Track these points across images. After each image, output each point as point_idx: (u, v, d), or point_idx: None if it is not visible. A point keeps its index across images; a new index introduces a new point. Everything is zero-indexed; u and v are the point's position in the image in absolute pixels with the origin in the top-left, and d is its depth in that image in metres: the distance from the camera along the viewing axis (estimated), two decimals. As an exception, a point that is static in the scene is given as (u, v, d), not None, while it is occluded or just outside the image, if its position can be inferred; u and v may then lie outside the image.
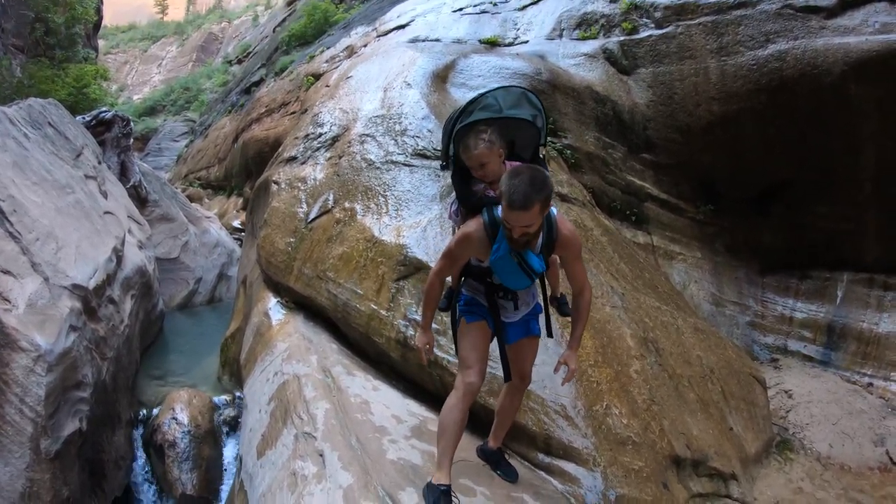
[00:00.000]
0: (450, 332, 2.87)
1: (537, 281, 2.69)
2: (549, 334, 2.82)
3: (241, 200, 14.98)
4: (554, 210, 2.36)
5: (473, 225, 2.38)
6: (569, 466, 3.08)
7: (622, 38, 6.85)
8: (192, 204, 12.09)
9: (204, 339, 7.40)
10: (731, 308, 6.31)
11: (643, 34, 6.76)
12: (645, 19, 6.86)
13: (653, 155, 6.62)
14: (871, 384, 5.42)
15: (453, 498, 2.42)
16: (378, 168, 5.11)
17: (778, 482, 4.07)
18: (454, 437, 2.43)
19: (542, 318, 2.80)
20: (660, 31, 6.63)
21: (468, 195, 2.52)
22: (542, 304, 2.81)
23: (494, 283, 2.55)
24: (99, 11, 19.27)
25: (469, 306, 2.63)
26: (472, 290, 2.65)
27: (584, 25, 7.39)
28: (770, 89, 5.79)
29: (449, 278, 2.76)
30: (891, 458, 4.42)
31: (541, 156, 2.79)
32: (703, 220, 6.56)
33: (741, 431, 4.02)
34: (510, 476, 2.91)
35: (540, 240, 2.32)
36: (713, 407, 3.93)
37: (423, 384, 3.77)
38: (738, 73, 5.99)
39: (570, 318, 2.70)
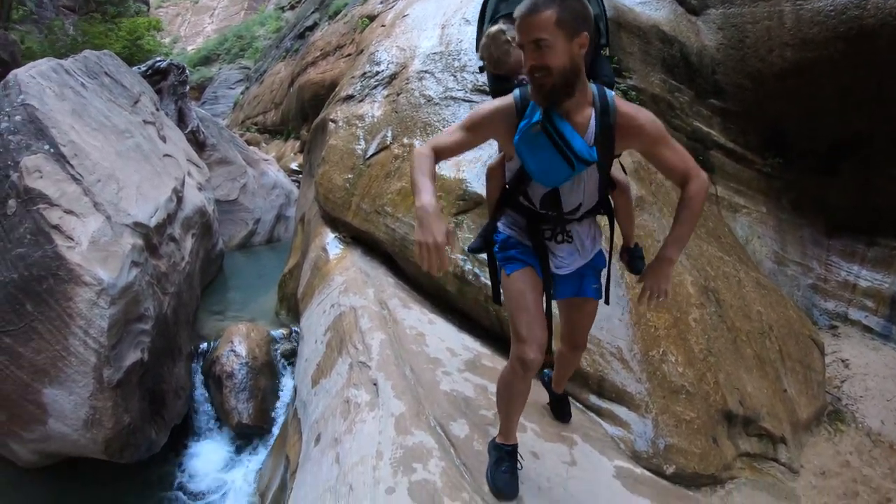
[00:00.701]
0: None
1: (600, 225, 2.16)
2: (607, 300, 2.23)
3: (297, 143, 15.16)
4: (611, 91, 1.78)
5: (502, 99, 1.85)
6: (620, 411, 3.06)
7: (693, -25, 6.41)
8: (251, 147, 12.30)
9: (262, 278, 7.66)
10: (793, 268, 6.04)
11: (716, -28, 6.31)
12: (718, -45, 6.39)
13: (721, 101, 6.27)
14: None
15: (519, 458, 2.28)
16: (437, 104, 5.04)
17: (826, 452, 3.96)
18: (516, 408, 2.16)
19: (604, 276, 2.22)
20: (734, -31, 6.17)
21: (503, 89, 2.01)
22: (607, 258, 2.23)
23: (538, 211, 1.96)
24: None
25: (508, 250, 2.05)
26: (510, 226, 2.08)
27: (653, -37, 6.94)
28: (848, 38, 5.32)
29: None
30: None
31: (605, 56, 2.26)
32: (770, 172, 6.23)
33: (795, 395, 3.90)
34: (562, 417, 2.80)
35: (592, 124, 1.73)
36: (769, 366, 3.81)
37: (479, 319, 3.76)
38: (814, 18, 5.52)
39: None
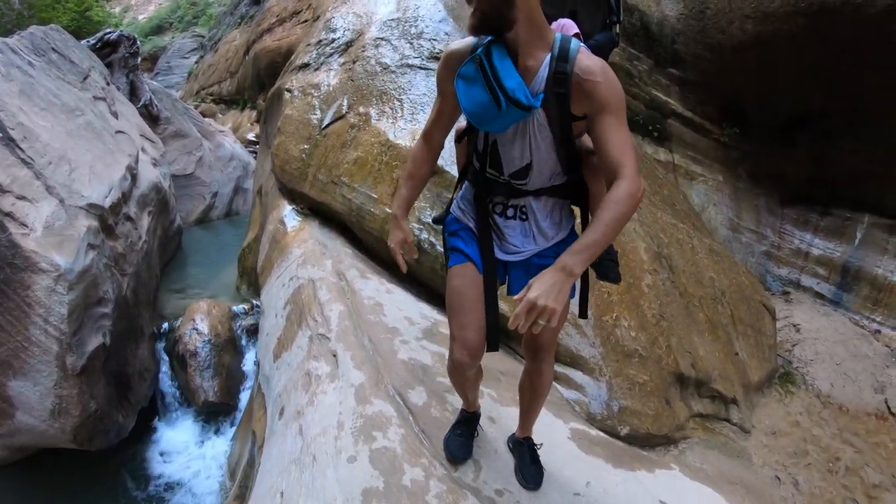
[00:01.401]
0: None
1: (568, 208, 1.84)
2: (583, 313, 1.88)
3: (254, 113, 14.84)
4: (578, 42, 1.54)
5: (458, 42, 1.70)
6: (575, 374, 3.15)
7: (654, -58, 6.40)
8: (206, 119, 11.97)
9: (222, 252, 7.55)
10: (747, 235, 6.23)
11: (675, -59, 6.30)
12: (678, -76, 6.38)
13: (680, 70, 6.33)
14: (878, 331, 5.41)
15: (479, 428, 2.36)
16: (393, 72, 4.99)
17: (777, 413, 4.15)
18: (468, 389, 2.13)
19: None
20: (694, -62, 6.17)
21: None
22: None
23: (487, 174, 1.75)
24: None
25: (451, 237, 1.88)
26: (460, 201, 1.91)
27: (615, -71, 6.92)
28: (809, 13, 5.38)
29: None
30: (888, 407, 4.47)
31: (614, 34, 2.05)
32: (728, 143, 6.37)
33: (746, 358, 4.07)
34: (530, 481, 2.23)
35: (544, 68, 1.52)
36: (721, 330, 3.96)
37: (436, 287, 3.79)
38: None
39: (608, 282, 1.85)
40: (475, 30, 1.52)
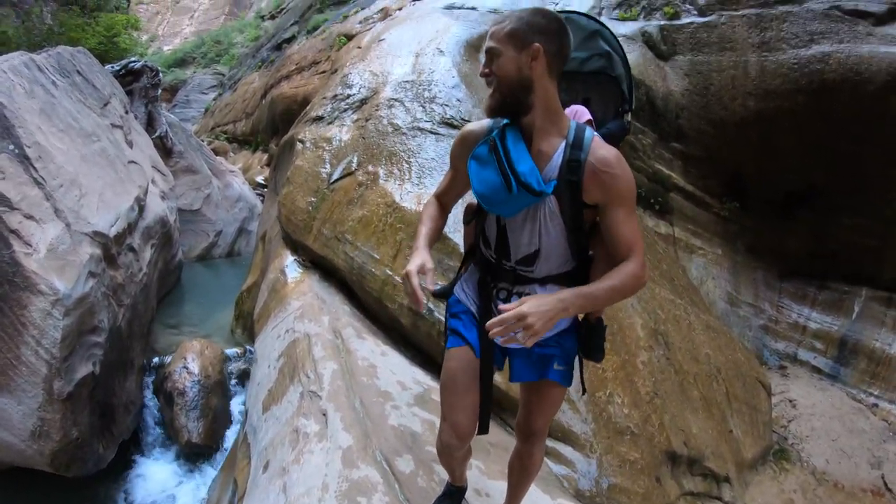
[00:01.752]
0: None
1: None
2: (583, 388, 2.04)
3: (265, 156, 15.07)
4: (593, 132, 1.58)
5: (475, 123, 1.76)
6: (566, 450, 3.11)
7: (663, 23, 6.68)
8: (217, 157, 12.18)
9: (220, 292, 7.54)
10: (745, 309, 6.25)
11: (685, 20, 6.58)
12: (688, 5, 6.68)
13: (683, 145, 6.50)
14: (875, 405, 5.38)
15: (464, 501, 2.29)
16: (404, 134, 5.08)
17: (770, 491, 4.08)
18: (455, 466, 2.09)
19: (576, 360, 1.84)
20: (702, 19, 6.46)
21: None
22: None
23: (492, 260, 1.73)
24: None
25: (452, 318, 1.85)
26: (464, 284, 1.87)
27: (625, 6, 7.22)
28: (809, 91, 5.63)
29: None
30: (885, 483, 4.41)
31: (625, 122, 2.03)
32: (728, 216, 6.47)
33: (740, 435, 4.03)
34: None
35: (558, 155, 1.53)
36: (715, 407, 3.93)
37: (432, 353, 3.79)
38: (778, 70, 5.83)
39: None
40: (492, 112, 1.57)
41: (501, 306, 1.53)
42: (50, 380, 3.66)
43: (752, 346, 5.95)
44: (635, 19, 6.95)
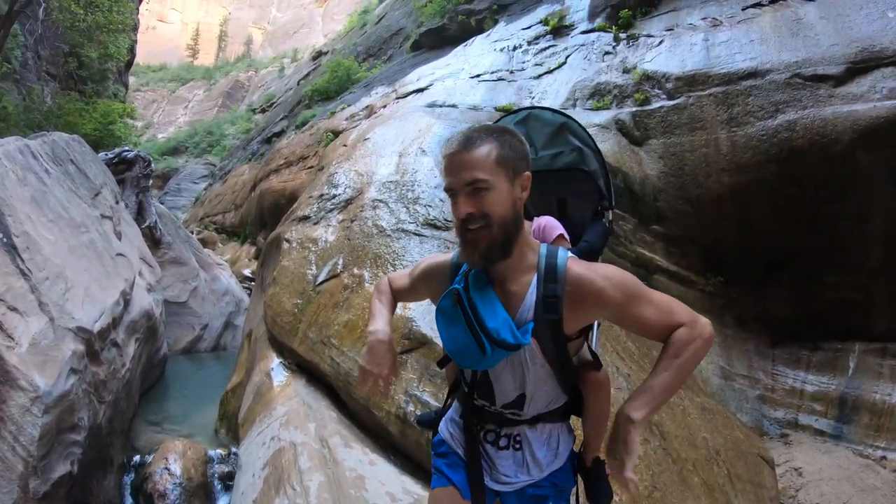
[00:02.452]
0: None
1: (566, 428, 1.65)
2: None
3: (253, 249, 15.23)
4: (565, 252, 1.41)
5: (442, 255, 1.62)
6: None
7: (634, 109, 7.00)
8: (205, 250, 12.28)
9: (205, 388, 7.33)
10: (740, 381, 6.18)
11: (655, 105, 6.91)
12: (657, 90, 7.03)
13: (663, 226, 6.65)
14: (884, 457, 5.25)
15: None
16: (389, 235, 5.10)
17: (786, 564, 3.89)
18: None
19: (576, 495, 1.71)
20: (671, 102, 6.78)
21: None
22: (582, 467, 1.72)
23: (475, 402, 1.58)
24: (132, 50, 20.15)
25: (437, 458, 1.71)
26: (449, 423, 1.72)
27: (598, 96, 7.60)
28: (779, 159, 5.86)
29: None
30: None
31: (606, 223, 1.89)
32: (713, 291, 6.52)
33: (747, 516, 3.86)
34: None
35: (531, 293, 1.37)
36: (718, 491, 3.79)
37: (422, 462, 3.65)
38: (748, 143, 6.07)
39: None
40: (483, 262, 1.36)
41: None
42: (26, 478, 3.50)
43: (751, 419, 5.83)
44: (608, 108, 7.31)
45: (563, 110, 2.05)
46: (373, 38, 22.37)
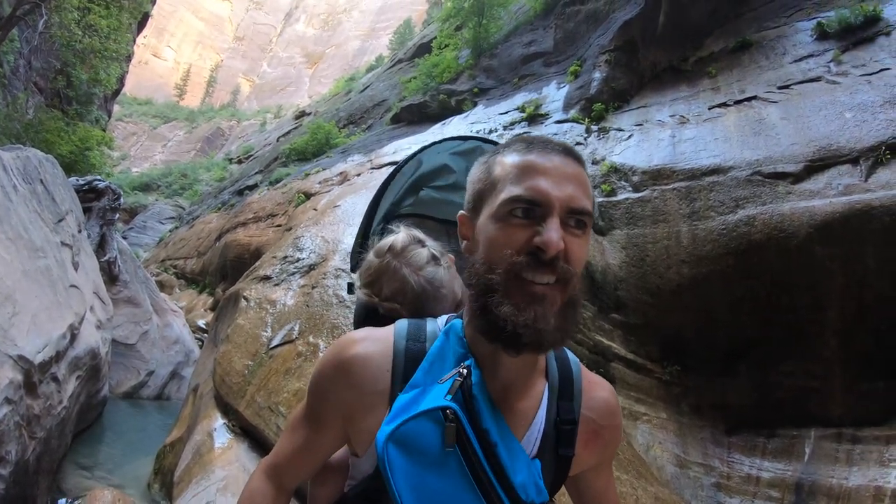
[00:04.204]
0: None
1: None
2: None
3: (211, 300, 14.85)
4: (574, 357, 1.05)
5: (366, 334, 0.97)
6: None
7: (601, 200, 7.25)
8: (161, 294, 11.97)
9: (143, 437, 6.95)
10: (695, 469, 6.15)
11: (621, 196, 7.19)
12: (623, 182, 7.34)
13: (622, 315, 6.73)
14: None
15: None
16: (348, 307, 5.00)
17: None
18: None
19: None
20: (636, 195, 7.07)
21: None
22: None
23: None
24: (121, 80, 20.29)
25: None
26: None
27: (566, 186, 7.88)
28: (738, 252, 6.05)
29: None
30: None
31: None
32: (670, 380, 6.59)
33: None
34: None
35: (541, 415, 0.93)
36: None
37: None
38: (708, 237, 6.28)
39: None
40: (558, 345, 0.83)
41: None
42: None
43: (705, 510, 5.77)
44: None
45: None
46: (356, 106, 23.00)
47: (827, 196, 5.75)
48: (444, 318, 0.99)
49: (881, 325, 5.48)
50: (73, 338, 5.67)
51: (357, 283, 1.35)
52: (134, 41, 20.50)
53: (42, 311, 5.00)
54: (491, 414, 0.84)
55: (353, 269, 1.52)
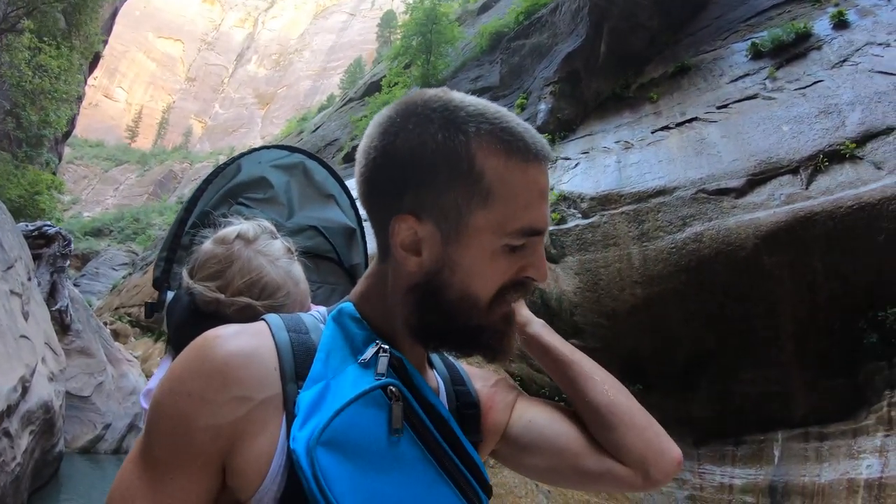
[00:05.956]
0: None
1: None
2: None
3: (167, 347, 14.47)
4: None
5: (235, 328, 0.69)
6: None
7: (552, 228, 7.35)
8: (116, 343, 11.64)
9: (101, 494, 6.62)
10: (668, 485, 6.25)
11: (571, 224, 7.37)
12: (573, 210, 7.52)
13: (580, 340, 6.82)
14: None
15: None
16: None
17: None
18: None
19: None
20: (586, 221, 7.26)
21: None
22: None
23: None
24: (72, 122, 19.73)
25: None
26: None
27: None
28: (689, 269, 6.25)
29: None
30: None
31: None
32: (633, 399, 6.69)
33: None
34: None
35: (441, 396, 0.83)
36: None
37: None
38: (658, 256, 6.47)
39: None
40: (504, 358, 0.76)
41: None
42: None
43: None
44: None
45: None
46: (308, 146, 22.93)
47: (770, 207, 6.02)
48: (315, 309, 0.83)
49: (834, 325, 5.72)
50: (25, 391, 5.47)
51: (186, 281, 1.07)
52: (85, 82, 20.16)
53: (-9, 364, 4.84)
54: (435, 398, 0.73)
55: (156, 281, 1.25)
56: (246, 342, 0.67)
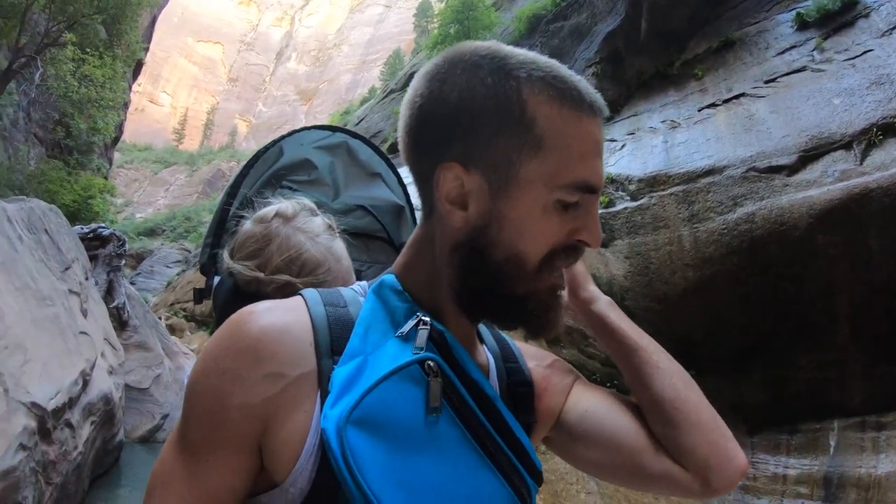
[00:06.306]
0: None
1: None
2: None
3: (222, 341, 14.97)
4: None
5: (270, 304, 0.67)
6: None
7: (600, 212, 7.27)
8: (172, 337, 12.01)
9: (161, 481, 6.94)
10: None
11: (619, 206, 7.24)
12: (621, 192, 7.39)
13: None
14: None
15: None
16: None
17: None
18: None
19: None
20: (635, 204, 7.10)
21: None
22: None
23: None
24: (120, 128, 20.57)
25: None
26: None
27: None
28: (741, 250, 6.06)
29: None
30: None
31: None
32: (685, 384, 6.52)
33: None
34: None
35: (492, 374, 0.77)
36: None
37: None
38: (710, 238, 6.29)
39: None
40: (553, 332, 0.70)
41: None
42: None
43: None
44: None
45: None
46: (352, 139, 23.19)
47: (824, 184, 5.77)
48: (356, 284, 0.77)
49: (893, 306, 5.45)
50: (86, 384, 5.70)
51: (227, 262, 1.05)
52: (130, 89, 20.89)
53: (53, 358, 5.05)
54: (482, 378, 0.66)
55: (202, 267, 1.26)
56: (279, 317, 0.65)
